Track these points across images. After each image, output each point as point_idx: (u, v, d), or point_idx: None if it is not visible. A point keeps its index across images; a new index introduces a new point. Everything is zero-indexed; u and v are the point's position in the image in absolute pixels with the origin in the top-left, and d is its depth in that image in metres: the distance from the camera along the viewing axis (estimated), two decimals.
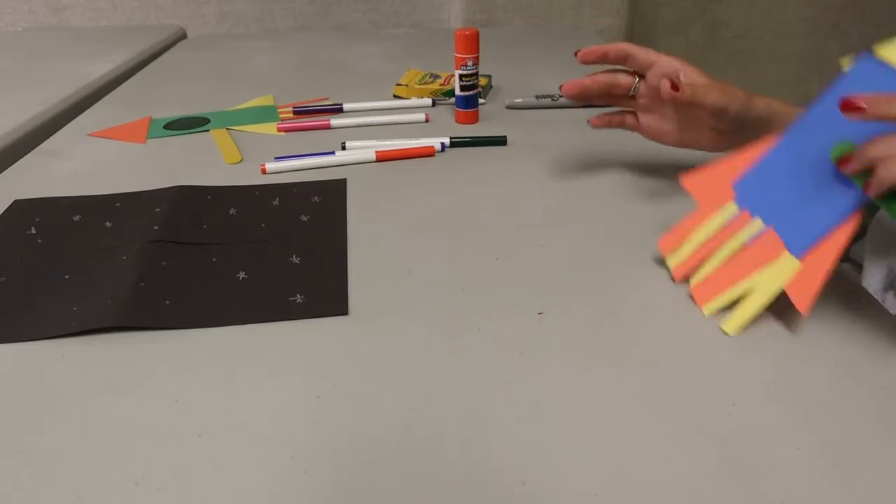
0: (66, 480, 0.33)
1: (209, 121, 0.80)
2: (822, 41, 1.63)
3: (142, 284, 0.47)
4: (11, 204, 0.60)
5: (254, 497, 0.32)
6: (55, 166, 0.70)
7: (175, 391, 0.38)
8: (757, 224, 0.45)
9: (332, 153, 0.68)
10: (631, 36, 1.55)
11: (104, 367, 0.40)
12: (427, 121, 0.79)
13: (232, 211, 0.58)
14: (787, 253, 0.42)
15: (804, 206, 0.43)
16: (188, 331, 0.44)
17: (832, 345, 0.40)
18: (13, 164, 0.70)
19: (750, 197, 0.46)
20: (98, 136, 0.77)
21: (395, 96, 0.86)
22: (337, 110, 0.82)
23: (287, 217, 0.57)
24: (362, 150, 0.69)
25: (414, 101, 0.84)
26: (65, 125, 0.82)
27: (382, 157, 0.69)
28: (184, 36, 1.31)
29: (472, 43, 0.75)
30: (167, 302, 0.46)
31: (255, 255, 0.51)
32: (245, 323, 0.44)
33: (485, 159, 0.68)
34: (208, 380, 0.39)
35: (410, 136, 0.72)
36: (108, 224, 0.56)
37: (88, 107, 0.88)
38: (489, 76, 0.91)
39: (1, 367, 0.41)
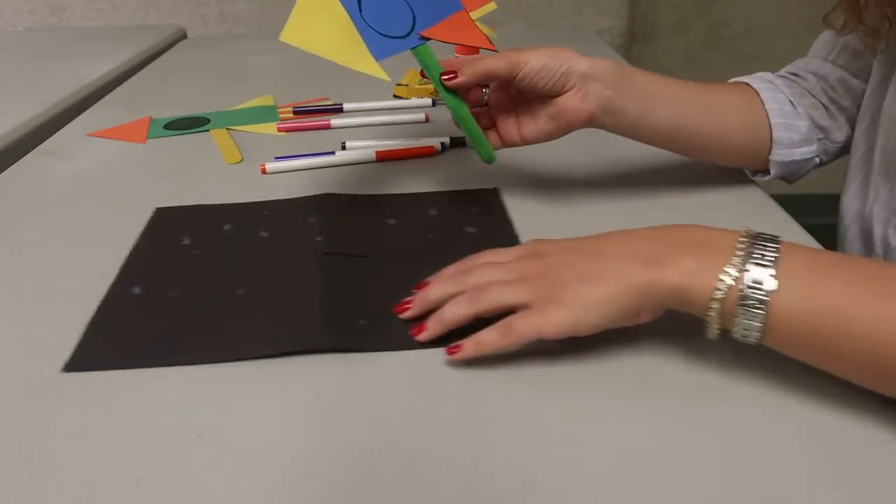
0: (66, 480, 0.33)
1: (209, 121, 0.80)
2: None
3: (329, 302, 0.45)
4: (155, 212, 0.58)
5: (254, 497, 0.32)
6: (55, 166, 0.70)
7: (175, 391, 0.38)
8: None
9: (332, 153, 0.68)
10: (631, 36, 1.55)
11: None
12: (427, 121, 0.79)
13: (391, 221, 0.55)
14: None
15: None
16: None
17: None
18: (13, 164, 0.70)
19: None
20: (98, 136, 0.77)
21: (395, 96, 0.86)
22: (337, 110, 0.82)
23: (452, 229, 0.53)
24: (362, 150, 0.69)
25: (414, 101, 0.84)
26: (65, 125, 0.82)
27: (382, 157, 0.69)
28: (184, 36, 1.31)
29: None
30: (361, 322, 0.43)
31: (434, 270, 0.45)
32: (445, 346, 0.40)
33: None
34: (208, 380, 0.39)
35: (410, 136, 0.72)
36: (263, 234, 0.53)
37: (88, 107, 0.88)
38: None
39: (1, 366, 0.41)
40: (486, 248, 0.46)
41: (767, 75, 0.60)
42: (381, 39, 0.50)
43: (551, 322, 0.37)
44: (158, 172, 0.67)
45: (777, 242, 0.36)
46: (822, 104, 0.58)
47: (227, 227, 0.55)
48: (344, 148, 0.71)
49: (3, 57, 1.10)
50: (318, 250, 0.50)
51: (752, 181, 0.61)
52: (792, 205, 0.56)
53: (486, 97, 0.54)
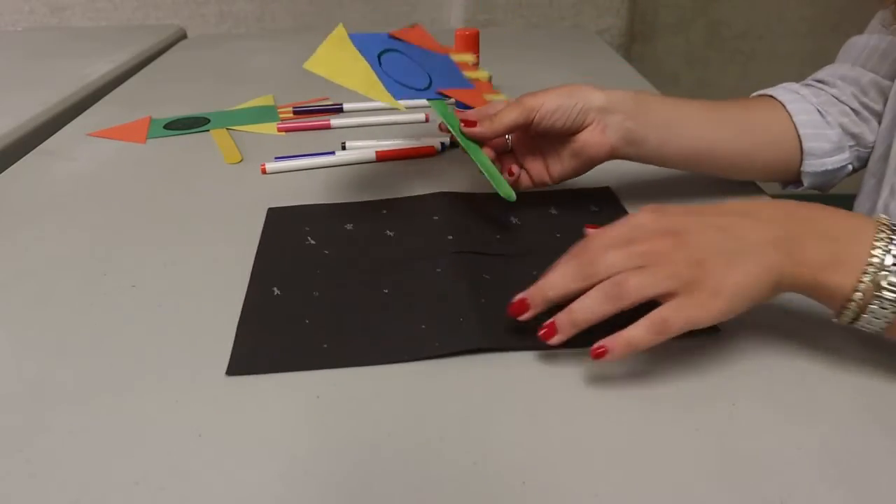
0: (66, 480, 0.33)
1: (209, 121, 0.80)
2: (822, 41, 1.63)
3: (483, 301, 0.44)
4: (268, 212, 0.57)
5: (254, 497, 0.32)
6: (55, 166, 0.70)
7: (175, 391, 0.38)
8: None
9: (332, 153, 0.68)
10: (631, 36, 1.55)
11: (104, 367, 0.40)
12: (427, 121, 0.79)
13: (514, 220, 0.55)
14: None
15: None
16: (186, 331, 0.43)
17: (831, 344, 0.40)
18: (13, 164, 0.70)
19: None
20: (98, 136, 0.77)
21: None
22: (337, 110, 0.82)
23: (579, 227, 0.51)
24: (362, 150, 0.69)
25: (414, 101, 0.83)
26: (65, 125, 0.82)
27: (383, 157, 0.69)
28: (184, 36, 1.31)
29: (472, 43, 0.75)
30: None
31: None
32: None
33: None
34: (208, 380, 0.39)
35: (410, 136, 0.72)
36: (389, 233, 0.53)
37: (88, 107, 0.88)
38: (489, 76, 0.91)
39: (1, 366, 0.41)
40: None
41: (793, 85, 0.59)
42: (399, 87, 0.52)
43: (709, 313, 0.35)
44: (158, 172, 0.67)
45: None
46: (853, 109, 0.57)
47: (348, 226, 0.54)
48: (344, 148, 0.71)
49: (3, 57, 1.10)
50: (453, 249, 0.50)
51: (753, 182, 0.61)
52: None
53: (509, 143, 0.55)
